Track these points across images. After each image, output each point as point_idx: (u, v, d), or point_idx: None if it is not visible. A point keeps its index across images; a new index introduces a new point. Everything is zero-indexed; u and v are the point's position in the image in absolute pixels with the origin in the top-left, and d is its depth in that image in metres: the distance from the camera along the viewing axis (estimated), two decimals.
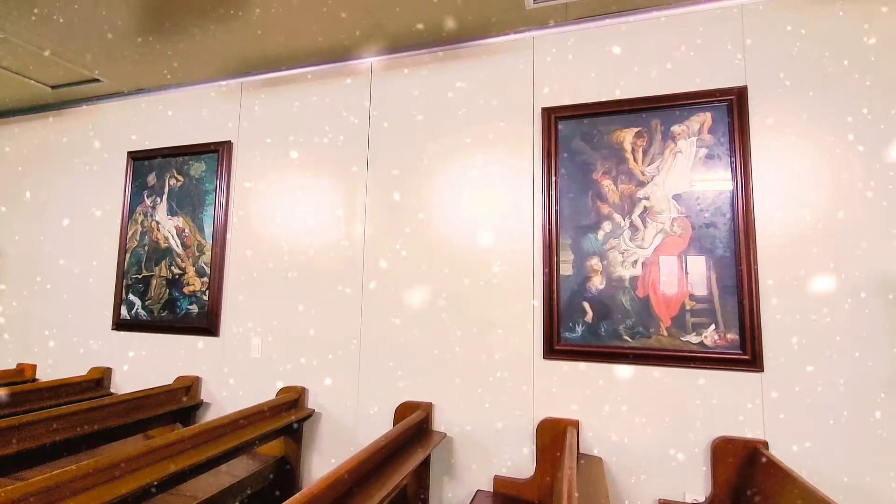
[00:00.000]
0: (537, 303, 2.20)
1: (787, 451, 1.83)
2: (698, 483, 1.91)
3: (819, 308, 1.86)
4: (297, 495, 1.28)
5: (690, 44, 2.12)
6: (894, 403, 1.76)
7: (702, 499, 1.90)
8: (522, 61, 2.37)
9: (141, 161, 3.08)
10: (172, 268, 2.92)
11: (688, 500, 1.91)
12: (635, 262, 2.09)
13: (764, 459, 1.75)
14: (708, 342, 1.96)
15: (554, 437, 2.06)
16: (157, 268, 2.96)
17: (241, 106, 2.90)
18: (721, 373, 1.94)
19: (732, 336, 1.94)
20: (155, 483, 1.50)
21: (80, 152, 3.31)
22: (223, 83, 2.96)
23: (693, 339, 1.98)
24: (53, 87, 3.14)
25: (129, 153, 3.12)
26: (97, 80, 3.01)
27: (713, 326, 1.96)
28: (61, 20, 2.36)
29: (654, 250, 2.07)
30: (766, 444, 1.84)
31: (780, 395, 1.87)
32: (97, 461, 1.39)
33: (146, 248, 3.00)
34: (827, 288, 1.86)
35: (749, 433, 1.88)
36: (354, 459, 1.59)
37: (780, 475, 1.64)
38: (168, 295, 2.91)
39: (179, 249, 2.92)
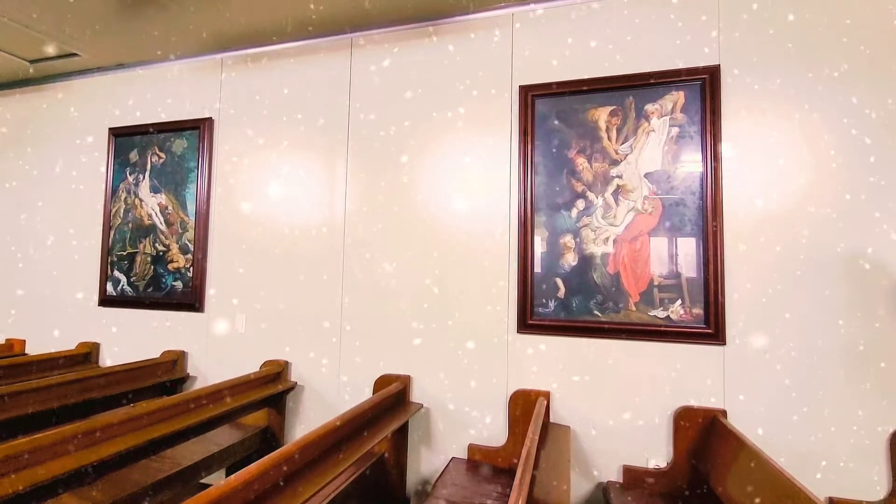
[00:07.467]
0: (512, 278, 2.26)
1: (744, 421, 1.92)
2: (660, 449, 2.01)
3: (778, 285, 1.92)
4: (272, 454, 1.35)
5: (665, 23, 2.13)
6: (846, 378, 1.84)
7: (663, 464, 1.99)
8: (501, 38, 2.37)
9: (122, 137, 3.07)
10: (157, 245, 2.95)
11: (650, 466, 2.00)
12: (607, 239, 2.14)
13: (722, 428, 1.84)
14: (674, 317, 2.03)
15: (526, 407, 2.15)
16: (141, 244, 2.98)
17: (221, 82, 2.89)
18: (685, 346, 2.01)
19: (697, 311, 2.00)
20: (135, 448, 1.57)
21: (60, 128, 3.28)
22: (204, 59, 2.94)
23: (660, 313, 2.05)
24: (32, 62, 3.10)
25: (111, 129, 3.10)
26: (76, 55, 2.97)
27: (679, 301, 2.03)
28: None
29: (625, 228, 2.12)
30: (724, 414, 1.93)
31: (739, 368, 1.94)
32: (76, 426, 1.45)
33: (130, 225, 3.01)
34: (787, 266, 1.92)
35: (709, 403, 1.96)
36: (329, 425, 1.66)
37: (735, 443, 1.72)
38: (153, 271, 2.94)
39: (163, 226, 2.94)
